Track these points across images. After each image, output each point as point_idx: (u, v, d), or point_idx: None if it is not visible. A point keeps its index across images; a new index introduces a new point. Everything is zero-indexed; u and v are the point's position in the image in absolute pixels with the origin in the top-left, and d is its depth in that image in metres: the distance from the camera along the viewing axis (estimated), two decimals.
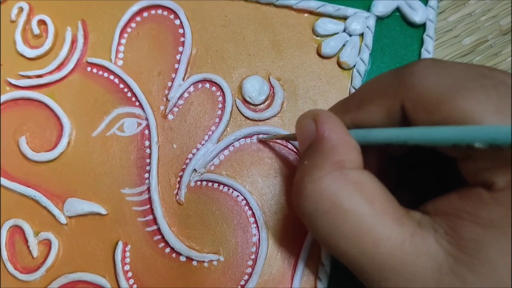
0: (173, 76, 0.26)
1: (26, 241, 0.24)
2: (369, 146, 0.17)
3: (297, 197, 0.18)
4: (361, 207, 0.16)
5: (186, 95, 0.26)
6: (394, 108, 0.17)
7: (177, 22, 0.26)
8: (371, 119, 0.18)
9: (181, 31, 0.26)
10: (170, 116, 0.25)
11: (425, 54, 0.25)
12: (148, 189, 0.25)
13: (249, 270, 0.23)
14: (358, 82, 0.25)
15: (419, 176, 0.21)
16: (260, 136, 0.25)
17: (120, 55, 0.26)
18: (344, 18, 0.26)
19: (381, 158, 0.20)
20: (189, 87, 0.26)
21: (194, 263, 0.24)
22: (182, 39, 0.26)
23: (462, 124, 0.14)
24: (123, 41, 0.26)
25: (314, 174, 0.17)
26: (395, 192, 0.17)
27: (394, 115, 0.17)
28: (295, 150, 0.25)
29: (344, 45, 0.26)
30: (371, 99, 0.18)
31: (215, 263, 0.24)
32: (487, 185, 0.15)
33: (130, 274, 0.24)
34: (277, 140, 0.25)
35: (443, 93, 0.15)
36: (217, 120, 0.25)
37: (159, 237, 0.24)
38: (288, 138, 0.24)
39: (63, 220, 0.24)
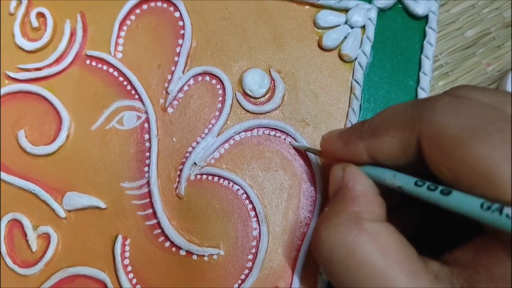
0: (173, 69, 0.25)
1: (25, 235, 0.24)
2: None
3: (313, 241, 0.18)
4: (375, 258, 0.16)
5: (186, 88, 0.25)
6: (410, 142, 0.16)
7: (177, 14, 0.26)
8: (386, 149, 0.17)
9: (181, 23, 0.26)
10: (169, 109, 0.25)
11: (427, 47, 0.25)
12: (148, 183, 0.24)
13: (249, 264, 0.23)
14: (359, 75, 0.25)
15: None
16: (288, 140, 0.25)
17: (120, 47, 0.26)
18: (346, 10, 0.25)
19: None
20: (189, 80, 0.25)
21: (194, 257, 0.23)
22: (182, 31, 0.26)
23: (474, 170, 0.14)
24: (122, 33, 0.26)
25: (331, 221, 0.17)
26: (420, 230, 0.17)
27: (409, 149, 0.17)
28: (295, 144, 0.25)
29: (345, 37, 0.25)
30: (387, 129, 0.17)
31: (215, 257, 0.23)
32: (501, 238, 0.14)
33: (129, 268, 0.24)
34: (281, 137, 0.25)
35: (460, 135, 0.15)
36: (217, 113, 0.25)
37: (159, 231, 0.24)
38: (317, 154, 0.24)
39: (62, 214, 0.24)
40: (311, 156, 0.24)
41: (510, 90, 0.24)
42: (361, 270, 0.16)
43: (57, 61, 0.26)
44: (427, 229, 0.20)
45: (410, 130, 0.16)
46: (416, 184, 0.16)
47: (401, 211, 0.19)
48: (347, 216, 0.17)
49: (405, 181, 0.17)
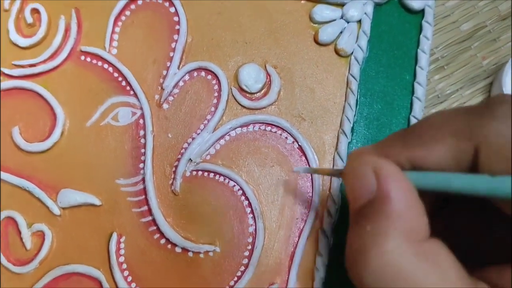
0: (168, 65, 0.25)
1: (19, 232, 0.24)
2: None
3: (359, 269, 0.15)
4: (436, 283, 0.14)
5: (181, 83, 0.25)
6: (466, 151, 0.15)
7: (172, 9, 0.26)
8: (434, 159, 0.15)
9: (176, 19, 0.26)
10: (165, 105, 0.25)
11: (423, 41, 0.25)
12: (143, 179, 0.24)
13: (245, 261, 0.23)
14: (356, 69, 0.25)
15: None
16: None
17: (114, 43, 0.26)
18: (342, 5, 0.25)
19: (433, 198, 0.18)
20: (184, 75, 0.25)
21: (190, 254, 0.23)
22: (177, 27, 0.26)
23: None
24: (117, 29, 0.26)
25: (382, 245, 0.14)
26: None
27: (464, 159, 0.15)
28: (291, 140, 0.24)
29: (341, 32, 0.25)
30: (438, 136, 0.15)
31: (211, 254, 0.23)
32: None
33: (124, 265, 0.23)
34: (277, 132, 0.24)
35: None
36: (212, 109, 0.25)
37: (154, 228, 0.24)
38: (331, 174, 0.22)
39: (56, 211, 0.24)
40: (307, 151, 0.24)
41: (505, 83, 0.24)
42: None
43: (52, 57, 0.26)
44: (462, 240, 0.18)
45: (467, 138, 0.15)
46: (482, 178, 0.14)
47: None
48: (399, 238, 0.14)
49: (467, 179, 0.14)
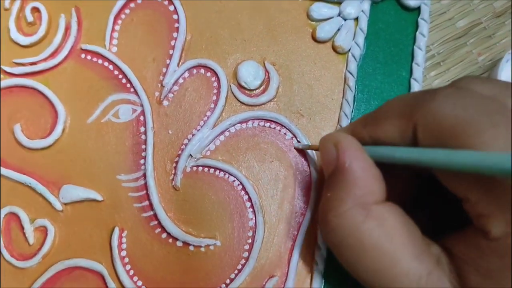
0: (168, 62, 0.26)
1: (22, 228, 0.24)
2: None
3: (323, 228, 0.19)
4: (381, 243, 0.16)
5: (181, 81, 0.26)
6: (407, 129, 0.17)
7: (171, 8, 0.26)
8: (385, 136, 0.18)
9: (175, 17, 0.26)
10: (165, 102, 0.25)
11: (419, 38, 0.25)
12: (144, 175, 0.24)
13: (245, 254, 0.23)
14: (353, 66, 0.25)
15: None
16: (295, 143, 0.25)
17: (114, 41, 0.26)
18: (339, 3, 0.26)
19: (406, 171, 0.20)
20: (184, 72, 0.26)
21: (191, 248, 0.24)
22: (176, 25, 0.26)
23: None
24: (117, 27, 0.26)
25: (338, 208, 0.17)
26: (419, 205, 0.18)
27: (407, 136, 0.17)
28: (290, 136, 0.25)
29: (339, 29, 0.26)
30: (387, 117, 0.18)
31: (211, 247, 0.24)
32: (484, 232, 0.15)
33: (126, 259, 0.24)
34: (276, 128, 0.25)
35: (454, 126, 0.15)
36: (212, 105, 0.25)
37: (156, 222, 0.24)
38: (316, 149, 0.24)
39: (58, 206, 0.24)
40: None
41: (500, 79, 0.24)
42: (368, 255, 0.16)
43: (52, 55, 0.26)
44: (427, 212, 0.20)
45: (408, 118, 0.17)
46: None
47: (400, 189, 0.19)
48: (353, 202, 0.17)
49: (405, 150, 0.17)
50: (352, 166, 0.17)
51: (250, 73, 0.25)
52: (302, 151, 0.24)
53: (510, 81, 0.24)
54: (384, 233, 0.16)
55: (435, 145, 0.15)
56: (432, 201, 0.20)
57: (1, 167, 0.25)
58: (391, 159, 0.17)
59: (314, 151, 0.24)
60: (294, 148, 0.25)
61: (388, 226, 0.16)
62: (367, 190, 0.17)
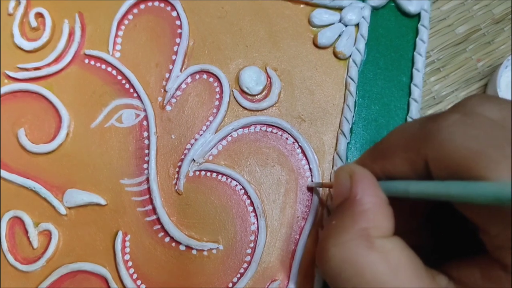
0: (171, 68, 0.26)
1: (26, 232, 0.24)
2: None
3: (320, 256, 0.17)
4: (385, 277, 0.15)
5: (183, 86, 0.26)
6: (418, 163, 0.16)
7: (174, 14, 0.27)
8: (397, 171, 0.17)
9: (178, 22, 0.26)
10: (168, 107, 0.26)
11: (420, 44, 0.25)
12: (147, 180, 0.25)
13: (248, 258, 0.24)
14: (354, 72, 0.25)
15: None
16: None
17: (118, 47, 0.26)
18: (340, 9, 0.26)
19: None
20: (187, 78, 0.26)
21: (194, 252, 0.24)
22: (179, 30, 0.26)
23: None
24: (120, 33, 0.26)
25: (340, 237, 0.16)
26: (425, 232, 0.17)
27: (419, 169, 0.16)
28: (292, 141, 0.25)
29: (340, 35, 0.26)
30: (395, 150, 0.17)
31: (214, 251, 0.24)
32: (503, 265, 0.14)
33: (130, 263, 0.24)
34: (277, 133, 0.25)
35: (467, 158, 0.14)
36: (214, 110, 0.25)
37: (159, 226, 0.24)
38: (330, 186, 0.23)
39: (62, 211, 0.25)
40: (307, 151, 0.25)
41: (499, 85, 0.25)
42: None
43: (56, 60, 0.26)
44: (432, 238, 0.19)
45: (416, 152, 0.16)
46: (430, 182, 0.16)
47: (409, 220, 0.19)
48: (356, 233, 0.16)
49: (419, 185, 0.16)
50: (363, 199, 0.17)
51: (252, 79, 0.25)
52: (304, 156, 0.25)
53: (509, 86, 0.25)
54: (388, 267, 0.15)
55: (449, 177, 0.15)
56: (429, 228, 0.20)
57: (6, 172, 0.25)
58: (405, 193, 0.16)
59: (315, 154, 0.24)
60: (307, 187, 0.24)
61: (393, 259, 0.16)
62: (374, 224, 0.16)
